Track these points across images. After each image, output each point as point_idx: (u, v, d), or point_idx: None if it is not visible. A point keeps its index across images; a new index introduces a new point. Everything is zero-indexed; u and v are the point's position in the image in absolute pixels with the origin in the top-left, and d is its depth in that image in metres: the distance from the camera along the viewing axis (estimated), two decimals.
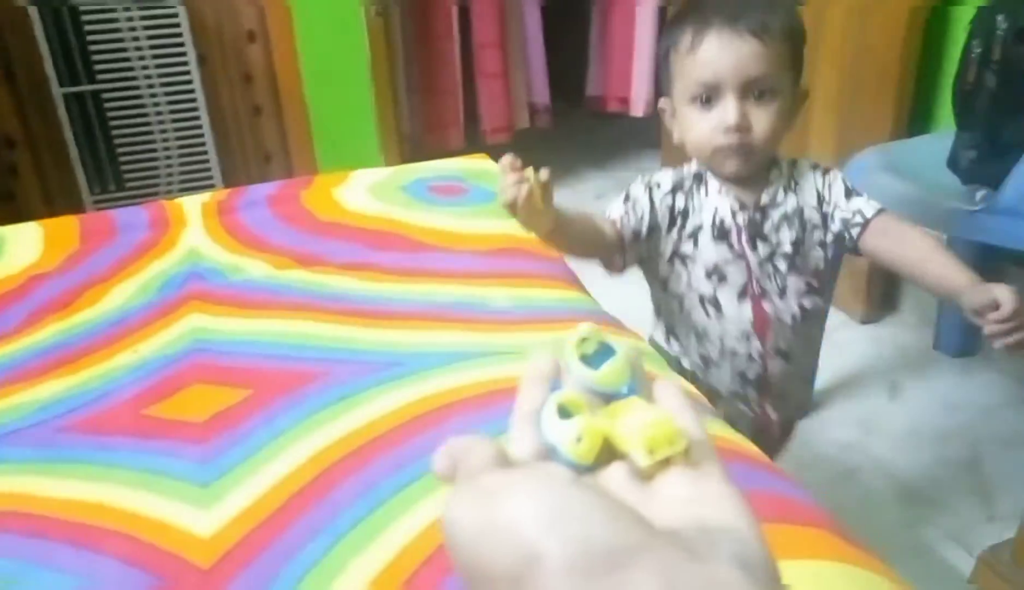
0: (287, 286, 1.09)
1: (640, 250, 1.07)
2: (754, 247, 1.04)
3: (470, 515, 0.27)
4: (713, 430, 0.80)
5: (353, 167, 1.46)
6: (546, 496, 0.27)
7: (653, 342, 1.17)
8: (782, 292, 1.06)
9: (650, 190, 1.06)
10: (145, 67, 2.37)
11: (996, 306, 0.86)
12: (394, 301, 1.04)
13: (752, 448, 0.79)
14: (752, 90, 0.96)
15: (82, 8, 2.25)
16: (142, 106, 2.41)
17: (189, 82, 2.42)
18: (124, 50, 2.34)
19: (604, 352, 0.34)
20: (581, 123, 3.57)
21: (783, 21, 0.97)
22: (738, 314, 1.06)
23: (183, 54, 2.38)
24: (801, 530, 0.67)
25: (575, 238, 1.02)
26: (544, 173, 0.90)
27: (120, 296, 1.08)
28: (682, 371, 1.12)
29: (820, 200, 1.05)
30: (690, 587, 0.25)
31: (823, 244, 1.06)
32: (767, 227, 1.04)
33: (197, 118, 2.46)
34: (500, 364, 0.88)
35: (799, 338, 1.09)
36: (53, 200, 2.46)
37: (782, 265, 1.05)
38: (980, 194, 1.57)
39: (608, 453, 0.32)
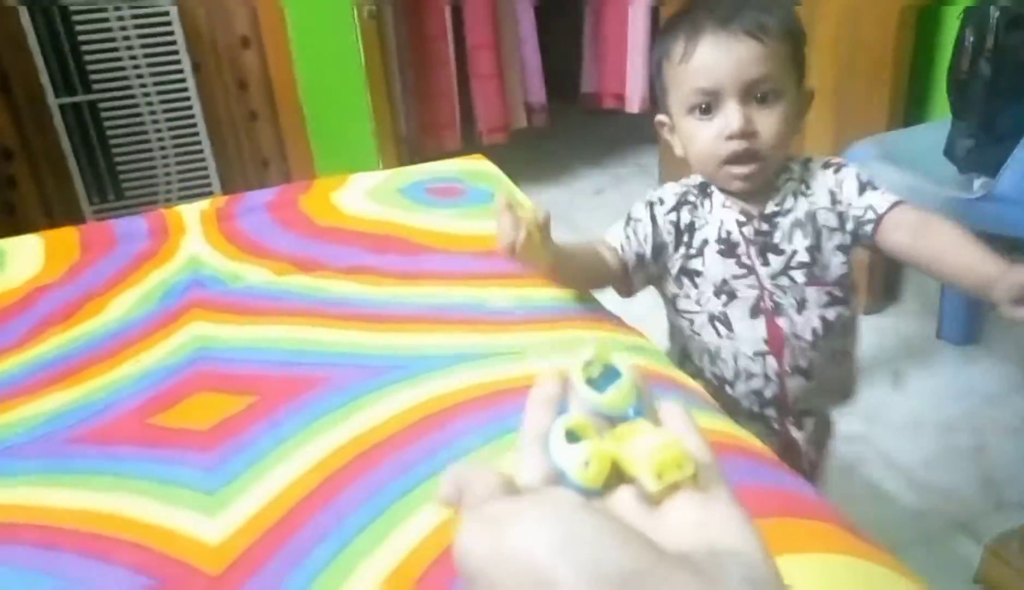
0: (288, 292, 1.09)
1: (648, 272, 1.04)
2: (765, 260, 0.99)
3: (483, 544, 0.27)
4: (718, 426, 0.80)
5: (350, 171, 1.46)
6: (557, 522, 0.27)
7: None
8: (800, 306, 0.99)
9: (652, 208, 1.03)
10: (140, 76, 2.38)
11: None
12: (395, 304, 1.04)
13: (757, 443, 0.79)
14: (754, 93, 0.92)
15: (76, 18, 2.25)
16: (138, 115, 2.41)
17: (185, 90, 2.42)
18: (119, 59, 2.34)
19: (610, 374, 0.35)
20: (577, 121, 3.57)
21: (780, 20, 0.93)
22: (750, 332, 0.99)
23: (178, 62, 2.39)
24: (808, 524, 0.67)
25: (577, 272, 1.01)
26: (541, 213, 0.90)
27: (122, 306, 1.08)
28: None
29: (833, 199, 0.99)
30: None
31: (844, 247, 1.00)
32: (777, 237, 0.99)
33: (194, 125, 2.47)
34: (502, 365, 0.89)
35: (822, 353, 1.01)
36: (52, 211, 2.47)
37: (799, 276, 0.98)
38: (978, 182, 1.58)
39: (616, 476, 0.32)
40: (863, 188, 0.98)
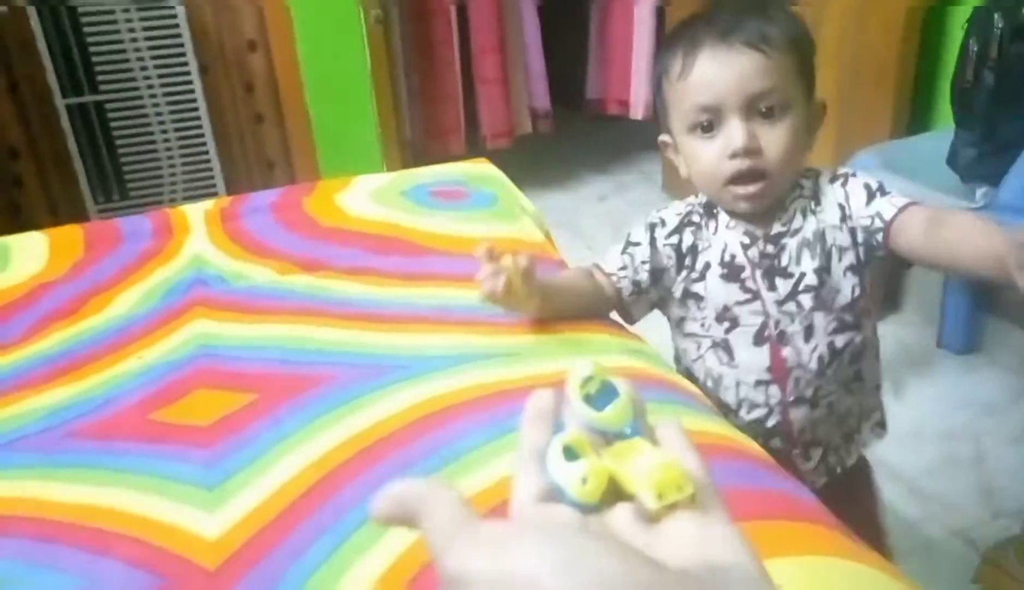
0: (291, 291, 1.09)
1: (649, 298, 1.00)
2: (772, 285, 0.93)
3: (483, 566, 0.28)
4: (715, 428, 0.80)
5: (355, 174, 1.47)
6: (558, 541, 0.27)
7: None
8: (807, 333, 0.93)
9: (652, 230, 0.99)
10: (147, 77, 2.39)
11: None
12: (397, 305, 1.04)
13: (753, 446, 0.80)
14: (758, 107, 0.87)
15: (84, 20, 2.26)
16: (145, 116, 2.42)
17: (191, 91, 2.43)
18: (126, 61, 2.36)
19: (607, 391, 0.35)
20: (581, 127, 3.58)
21: (784, 29, 0.88)
22: (753, 361, 0.95)
23: (185, 64, 2.40)
24: (804, 527, 0.67)
25: (568, 308, 0.98)
26: (523, 259, 0.90)
27: (125, 303, 1.08)
28: None
29: (843, 215, 0.93)
30: None
31: (856, 268, 0.94)
32: (784, 259, 0.93)
33: (200, 127, 2.48)
34: (503, 366, 0.89)
35: (829, 382, 0.96)
36: (58, 210, 2.48)
37: (807, 301, 0.93)
38: (980, 192, 1.58)
39: (613, 494, 0.32)
40: (871, 196, 0.91)
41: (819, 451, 1.00)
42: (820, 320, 0.93)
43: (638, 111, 3.18)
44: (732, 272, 0.95)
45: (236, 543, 0.68)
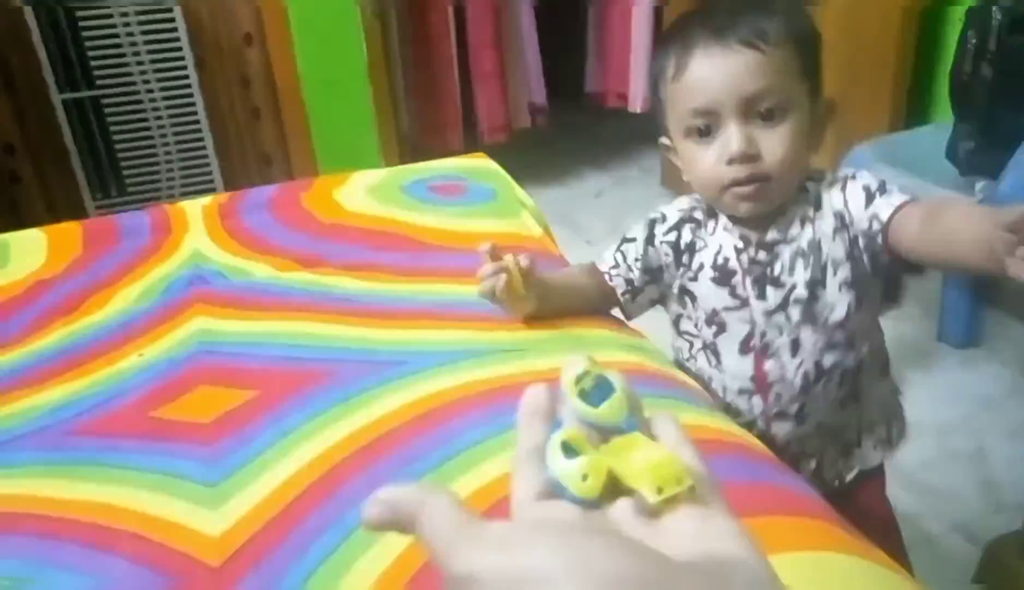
0: (290, 287, 1.09)
1: (648, 295, 0.99)
2: (762, 294, 0.90)
3: (492, 566, 0.28)
4: (715, 424, 0.80)
5: (352, 169, 1.47)
6: (569, 539, 0.28)
7: None
8: (794, 348, 0.90)
9: (652, 226, 0.97)
10: (144, 72, 2.38)
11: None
12: (397, 300, 1.04)
13: (753, 441, 0.80)
14: (755, 109, 0.83)
15: (79, 14, 2.25)
16: (141, 111, 2.42)
17: (188, 86, 2.43)
18: (122, 55, 2.35)
19: (603, 387, 0.35)
20: (580, 121, 3.57)
21: (785, 25, 0.83)
22: (737, 369, 0.93)
23: (181, 58, 2.39)
24: (804, 522, 0.67)
25: (567, 305, 0.98)
26: (524, 259, 0.90)
27: (124, 300, 1.08)
28: None
29: (841, 222, 0.88)
30: None
31: (852, 284, 0.88)
32: (777, 268, 0.89)
33: (196, 122, 2.47)
34: (503, 362, 0.89)
35: (817, 400, 0.92)
36: (55, 206, 2.47)
37: (796, 314, 0.89)
38: (979, 185, 1.58)
39: (612, 489, 0.32)
40: (870, 199, 0.86)
41: (812, 463, 0.97)
42: (808, 335, 0.90)
43: (637, 103, 3.17)
44: (723, 276, 0.92)
45: (239, 540, 0.68)
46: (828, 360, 0.90)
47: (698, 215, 0.95)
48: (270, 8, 2.51)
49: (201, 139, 2.49)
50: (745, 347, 0.92)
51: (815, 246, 0.88)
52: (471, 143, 2.83)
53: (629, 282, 0.98)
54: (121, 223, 1.30)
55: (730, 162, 0.84)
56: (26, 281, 1.14)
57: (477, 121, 3.08)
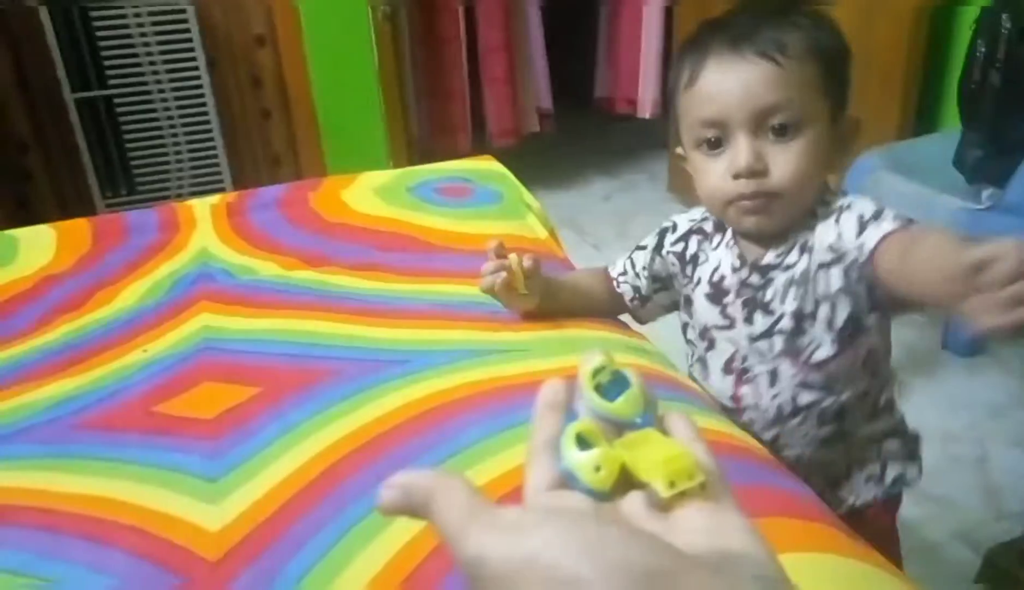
0: (296, 286, 1.10)
1: (659, 301, 0.99)
2: (750, 318, 0.87)
3: (503, 551, 0.28)
4: (716, 426, 0.80)
5: (361, 170, 1.47)
6: (579, 527, 0.28)
7: None
8: (772, 378, 0.87)
9: (663, 235, 0.96)
10: (156, 72, 2.40)
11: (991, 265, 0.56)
12: (401, 300, 1.05)
13: (753, 444, 0.80)
14: (767, 124, 0.79)
15: (93, 14, 2.27)
16: (153, 110, 2.43)
17: (199, 86, 2.44)
18: (135, 55, 2.36)
19: (619, 382, 0.35)
20: (588, 126, 3.58)
21: (808, 38, 0.79)
22: (721, 388, 0.92)
23: (193, 58, 2.41)
24: (803, 524, 0.67)
25: (573, 307, 0.98)
26: (527, 260, 0.91)
27: (131, 296, 1.09)
28: None
29: (837, 255, 0.81)
30: None
31: (845, 324, 0.83)
32: (769, 294, 0.85)
33: (207, 122, 2.49)
34: (506, 362, 0.89)
35: (792, 434, 0.89)
36: (66, 204, 2.50)
37: (778, 344, 0.85)
38: (986, 193, 1.58)
39: (624, 482, 0.33)
40: (863, 227, 0.79)
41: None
42: (787, 369, 0.86)
43: (646, 110, 3.18)
44: (717, 294, 0.90)
45: (238, 535, 0.69)
46: (804, 398, 0.87)
47: (707, 227, 0.94)
48: (282, 10, 2.53)
49: (211, 139, 2.51)
50: (728, 368, 0.90)
51: (808, 278, 0.83)
52: (480, 146, 2.84)
53: (637, 289, 0.99)
54: (130, 220, 1.32)
55: (736, 176, 0.81)
56: (34, 276, 1.15)
57: (486, 124, 3.09)
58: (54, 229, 1.29)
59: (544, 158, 3.24)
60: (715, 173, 0.82)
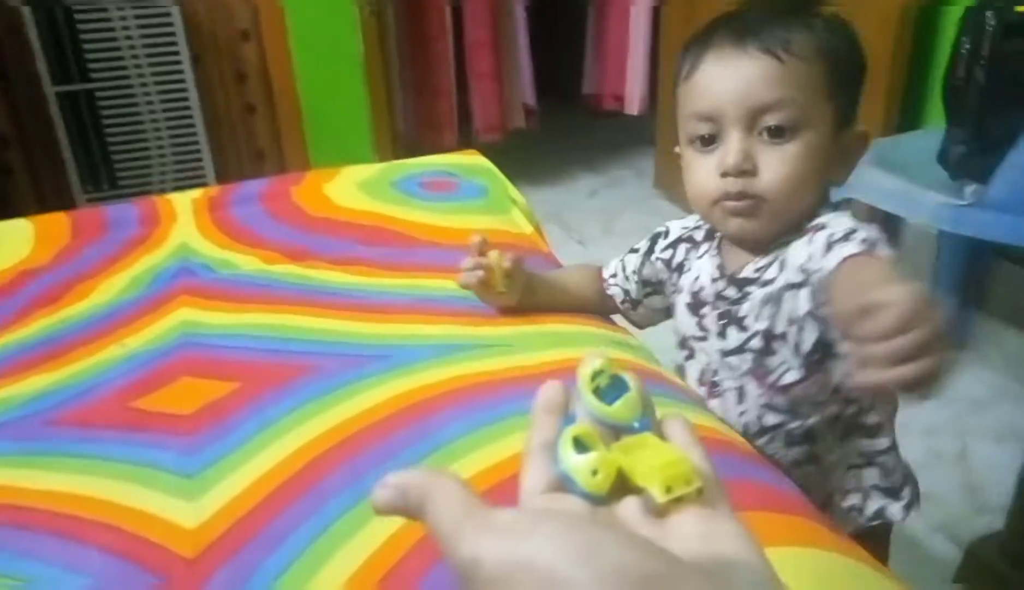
0: (277, 281, 1.09)
1: (652, 305, 0.98)
2: (723, 333, 0.84)
3: (498, 554, 0.28)
4: (700, 421, 0.80)
5: (346, 165, 1.46)
6: (575, 531, 0.28)
7: None
8: (739, 396, 0.84)
9: (655, 240, 0.95)
10: (138, 66, 2.38)
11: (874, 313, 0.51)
12: (383, 295, 1.04)
13: (737, 438, 0.80)
14: (762, 123, 0.75)
15: (75, 7, 2.25)
16: (135, 105, 2.41)
17: (182, 81, 2.42)
18: (117, 49, 2.34)
19: (617, 385, 0.35)
20: (574, 122, 3.58)
21: (818, 38, 0.75)
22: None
23: (176, 53, 2.39)
24: (785, 518, 0.67)
25: (557, 304, 0.98)
26: (507, 260, 0.91)
27: (109, 291, 1.08)
28: None
29: (805, 275, 0.76)
30: None
31: (811, 349, 0.78)
32: (744, 309, 0.82)
33: (190, 117, 2.47)
34: (488, 357, 0.89)
35: (763, 453, 0.84)
36: (46, 199, 2.47)
37: (747, 361, 0.82)
38: (969, 189, 1.58)
39: (621, 487, 0.33)
40: (828, 248, 0.72)
41: None
42: (753, 389, 0.83)
43: (634, 106, 3.18)
44: (695, 304, 0.88)
45: (215, 532, 0.68)
46: (769, 420, 0.84)
47: (698, 236, 0.92)
48: (267, 5, 2.51)
49: (194, 134, 2.49)
50: (702, 379, 0.89)
51: (780, 297, 0.79)
52: (466, 142, 2.84)
53: (627, 292, 0.99)
54: (109, 214, 1.30)
55: (723, 174, 0.77)
56: (11, 270, 1.14)
57: (472, 120, 3.08)
58: (32, 223, 1.27)
59: (530, 154, 3.23)
60: (703, 170, 0.79)
